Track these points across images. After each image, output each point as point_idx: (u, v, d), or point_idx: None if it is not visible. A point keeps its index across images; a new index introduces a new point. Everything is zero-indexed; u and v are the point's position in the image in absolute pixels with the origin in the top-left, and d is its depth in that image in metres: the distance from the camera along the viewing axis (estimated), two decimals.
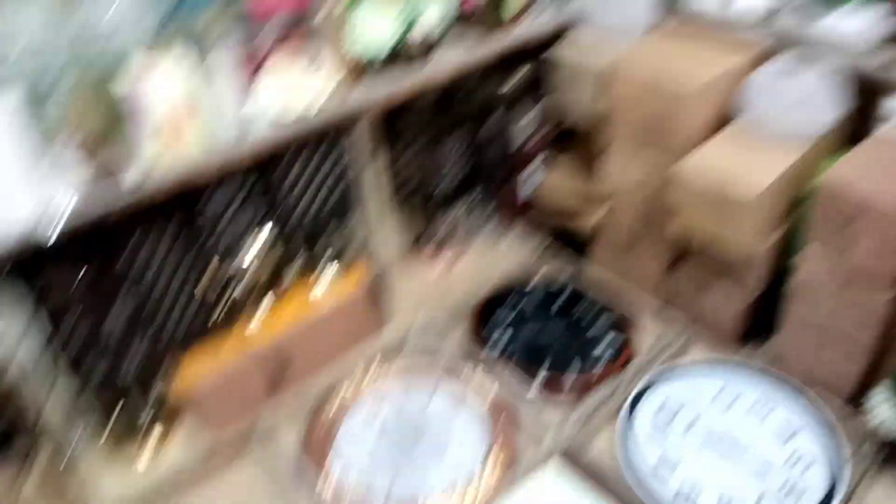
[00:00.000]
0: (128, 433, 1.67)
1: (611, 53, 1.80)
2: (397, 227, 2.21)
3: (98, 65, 1.33)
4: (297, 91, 1.50)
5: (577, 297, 2.02)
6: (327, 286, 1.87)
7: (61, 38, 1.24)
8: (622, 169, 1.87)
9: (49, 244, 1.23)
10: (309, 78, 1.50)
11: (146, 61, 1.31)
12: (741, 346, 1.81)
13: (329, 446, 1.64)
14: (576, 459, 1.55)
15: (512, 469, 1.55)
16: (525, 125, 2.08)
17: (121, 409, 1.66)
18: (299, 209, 1.70)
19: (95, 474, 1.61)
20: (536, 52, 1.91)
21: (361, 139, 1.68)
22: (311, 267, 1.89)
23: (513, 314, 1.98)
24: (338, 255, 1.92)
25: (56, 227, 1.22)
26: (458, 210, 2.21)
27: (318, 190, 1.71)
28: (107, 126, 1.42)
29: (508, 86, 2.04)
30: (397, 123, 1.93)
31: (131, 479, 1.61)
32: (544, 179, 2.16)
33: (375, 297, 1.94)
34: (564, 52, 1.89)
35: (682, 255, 1.84)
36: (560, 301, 2.02)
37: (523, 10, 1.85)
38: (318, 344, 1.83)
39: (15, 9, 1.20)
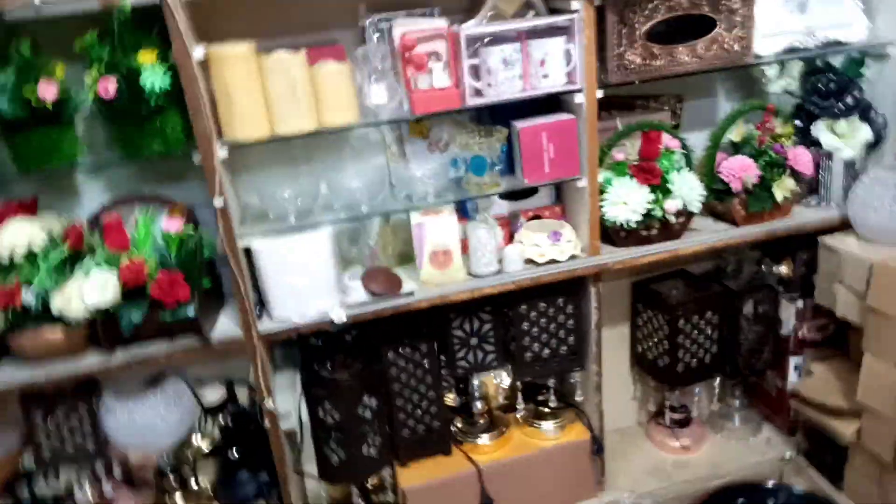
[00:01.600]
0: None
1: (887, 250, 1.66)
2: (634, 394, 2.19)
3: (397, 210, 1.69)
4: (539, 253, 1.68)
5: None
6: (547, 435, 1.92)
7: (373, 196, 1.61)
8: (879, 379, 1.64)
9: (336, 328, 1.57)
10: (552, 247, 1.68)
11: (430, 211, 1.62)
12: None
13: None
14: None
15: None
16: (793, 312, 1.94)
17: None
18: (530, 352, 1.82)
19: None
20: (814, 237, 1.82)
21: (600, 297, 1.77)
22: (535, 413, 1.96)
23: None
24: (562, 407, 1.97)
25: (342, 319, 1.56)
26: (706, 391, 2.11)
27: (551, 337, 1.81)
28: (404, 250, 1.79)
29: (779, 268, 1.95)
30: (650, 290, 1.97)
31: None
32: (808, 374, 1.96)
33: (593, 459, 1.92)
34: (842, 242, 1.77)
35: None
36: None
37: (795, 197, 1.80)
38: (527, 488, 1.87)
39: (347, 176, 1.61)
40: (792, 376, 2.01)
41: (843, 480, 1.86)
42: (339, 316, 1.55)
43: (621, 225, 1.70)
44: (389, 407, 1.78)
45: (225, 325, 1.57)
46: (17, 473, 1.71)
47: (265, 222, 1.57)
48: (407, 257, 1.77)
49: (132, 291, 1.41)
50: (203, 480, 1.80)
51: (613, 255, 1.72)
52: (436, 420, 1.84)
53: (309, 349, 1.80)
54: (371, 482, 1.95)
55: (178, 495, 1.73)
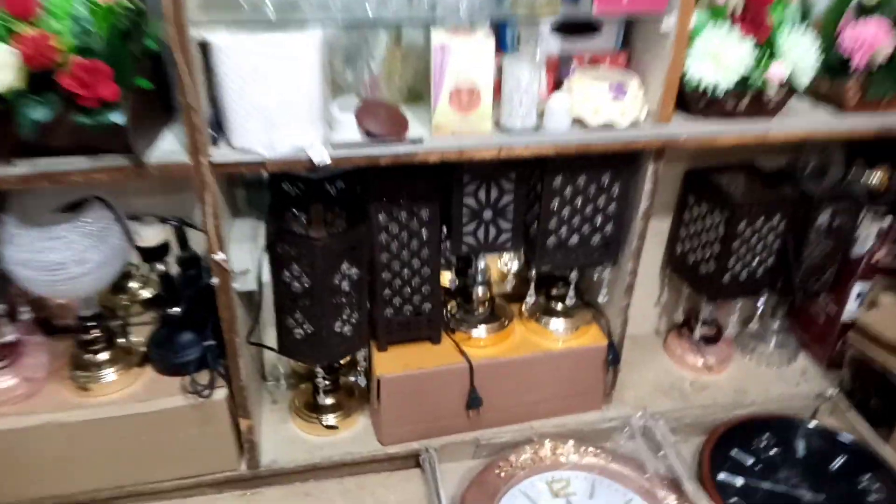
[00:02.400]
0: (310, 404, 1.61)
1: None
2: (659, 300, 1.88)
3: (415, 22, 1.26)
4: (594, 110, 1.27)
5: (856, 461, 1.54)
6: (555, 335, 1.61)
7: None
8: None
9: (316, 169, 1.17)
10: (610, 102, 1.26)
11: (459, 29, 1.19)
12: None
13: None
14: None
15: None
16: (875, 231, 1.60)
17: (309, 378, 1.61)
18: (555, 237, 1.46)
19: (264, 427, 1.58)
20: None
21: (657, 180, 1.39)
22: (545, 309, 1.65)
23: (761, 454, 1.56)
24: (579, 305, 1.65)
25: (324, 158, 1.16)
26: (747, 305, 1.79)
27: (585, 222, 1.45)
28: (415, 83, 1.37)
29: (870, 178, 1.59)
30: (709, 182, 1.60)
31: (294, 447, 1.55)
32: (872, 304, 1.65)
33: (605, 371, 1.63)
34: None
35: None
36: (835, 460, 1.54)
37: None
38: (523, 391, 1.59)
39: None
40: (852, 304, 1.70)
41: (890, 430, 1.60)
42: (321, 155, 1.16)
43: (705, 89, 1.29)
44: (373, 280, 1.44)
45: (169, 145, 1.17)
46: None
47: (234, 12, 1.14)
48: (418, 95, 1.36)
49: (38, 78, 1.00)
50: (136, 337, 1.47)
51: (688, 128, 1.33)
52: (427, 302, 1.51)
53: (281, 196, 1.42)
54: (340, 362, 1.65)
55: (102, 351, 1.40)
